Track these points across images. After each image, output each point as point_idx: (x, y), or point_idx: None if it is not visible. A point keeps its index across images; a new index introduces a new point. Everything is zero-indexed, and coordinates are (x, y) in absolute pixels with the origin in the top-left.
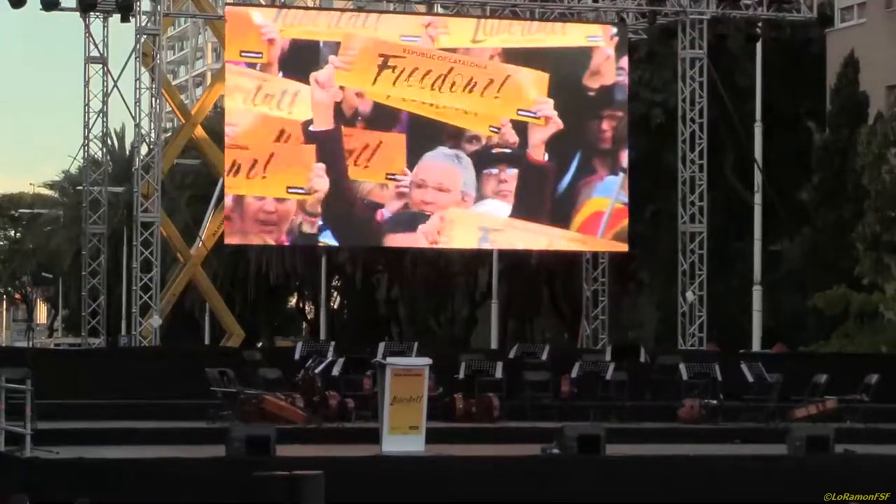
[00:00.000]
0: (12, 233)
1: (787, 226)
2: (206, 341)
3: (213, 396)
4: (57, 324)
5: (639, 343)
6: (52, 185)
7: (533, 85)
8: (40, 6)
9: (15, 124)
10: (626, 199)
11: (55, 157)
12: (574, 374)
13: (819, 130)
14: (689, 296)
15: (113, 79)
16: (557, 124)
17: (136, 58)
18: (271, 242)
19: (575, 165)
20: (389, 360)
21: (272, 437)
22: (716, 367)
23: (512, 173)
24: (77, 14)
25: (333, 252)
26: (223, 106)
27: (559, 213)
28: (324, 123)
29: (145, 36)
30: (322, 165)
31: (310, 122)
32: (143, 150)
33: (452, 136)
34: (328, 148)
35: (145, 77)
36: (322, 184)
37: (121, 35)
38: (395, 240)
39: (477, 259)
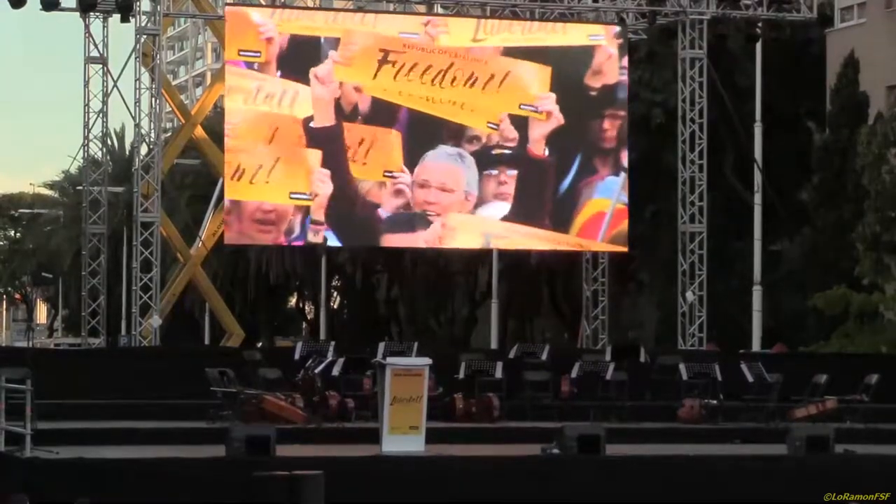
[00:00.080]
0: (12, 233)
1: (787, 226)
2: (206, 341)
3: (213, 396)
4: (57, 324)
5: (639, 343)
6: (52, 185)
7: (535, 79)
8: (40, 6)
9: (15, 124)
10: (626, 200)
11: (55, 157)
12: (574, 374)
13: (819, 130)
14: (689, 296)
15: (113, 79)
16: (559, 119)
17: (135, 58)
18: (269, 243)
19: (576, 166)
20: (389, 360)
21: (272, 437)
22: (716, 367)
23: (512, 174)
24: (77, 14)
25: (333, 252)
26: (223, 106)
27: (560, 214)
28: (325, 120)
29: (145, 36)
30: (327, 172)
31: (310, 118)
32: (143, 150)
33: (453, 135)
34: (330, 146)
35: (145, 77)
36: (325, 188)
37: (121, 35)
38: (396, 240)
39: (477, 259)
